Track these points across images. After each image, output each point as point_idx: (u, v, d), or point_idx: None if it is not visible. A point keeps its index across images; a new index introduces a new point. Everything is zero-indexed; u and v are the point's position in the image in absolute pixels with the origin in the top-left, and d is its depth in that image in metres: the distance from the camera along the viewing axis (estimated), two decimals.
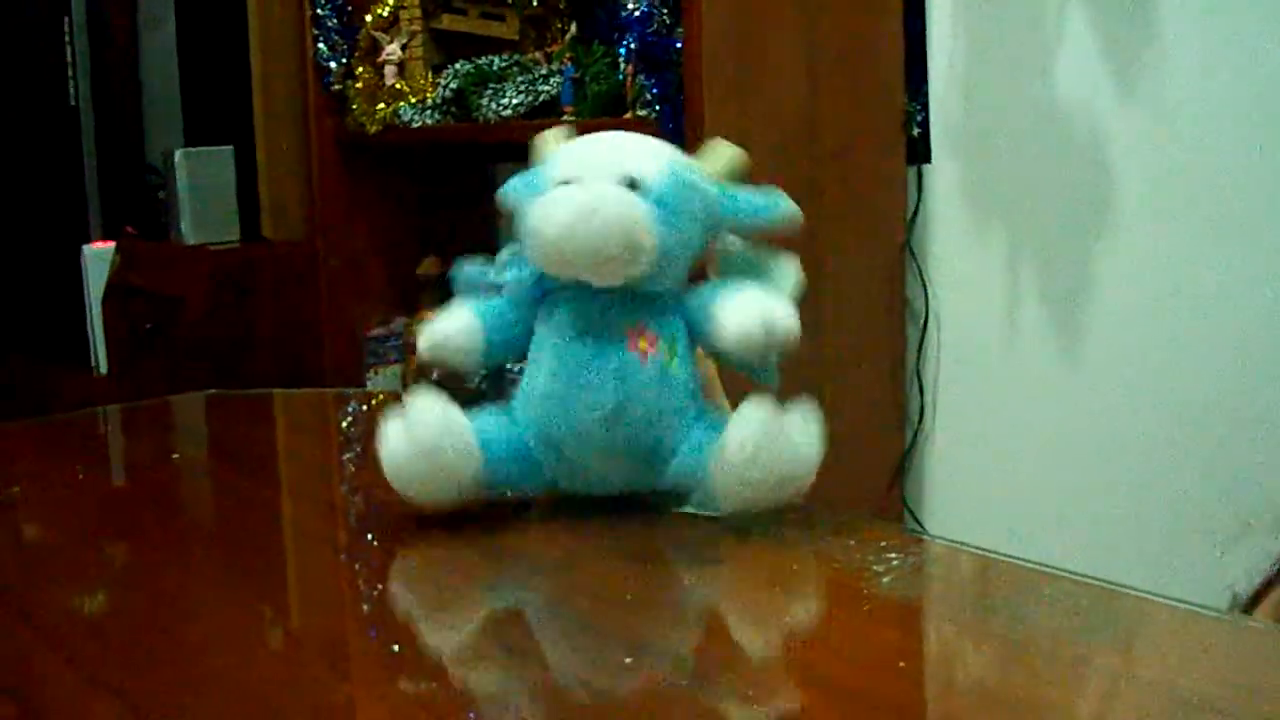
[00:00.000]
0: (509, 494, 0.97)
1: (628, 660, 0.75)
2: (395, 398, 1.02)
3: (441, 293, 1.04)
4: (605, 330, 0.93)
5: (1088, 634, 0.76)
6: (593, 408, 0.92)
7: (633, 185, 0.91)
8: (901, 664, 0.73)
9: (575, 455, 0.94)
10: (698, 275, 0.98)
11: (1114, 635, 0.77)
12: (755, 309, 0.92)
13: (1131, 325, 1.98)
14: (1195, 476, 1.93)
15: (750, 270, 0.98)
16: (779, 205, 0.96)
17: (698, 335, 0.95)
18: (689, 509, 0.94)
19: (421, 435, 0.92)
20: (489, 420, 0.96)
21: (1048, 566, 0.83)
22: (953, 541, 0.95)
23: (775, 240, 0.98)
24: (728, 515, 0.92)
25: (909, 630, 0.79)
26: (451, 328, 0.98)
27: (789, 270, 0.97)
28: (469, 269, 1.00)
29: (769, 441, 0.88)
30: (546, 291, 0.97)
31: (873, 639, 0.77)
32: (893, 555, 0.86)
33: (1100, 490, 2.04)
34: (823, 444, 0.90)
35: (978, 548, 0.89)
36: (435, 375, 1.10)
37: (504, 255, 0.99)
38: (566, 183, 0.92)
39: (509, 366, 1.02)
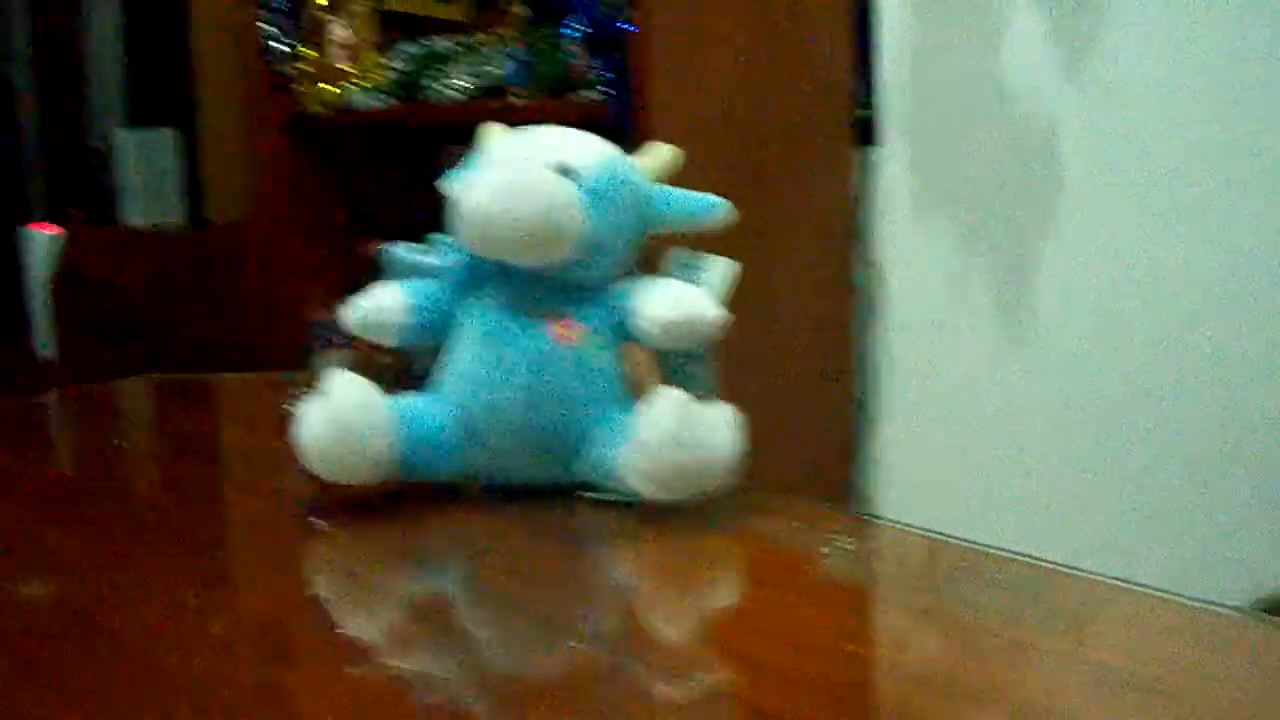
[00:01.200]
0: (428, 481, 0.97)
1: (571, 644, 0.75)
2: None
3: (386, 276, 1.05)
4: (526, 314, 0.94)
5: (1034, 615, 0.76)
6: (508, 389, 0.93)
7: (565, 173, 0.92)
8: (845, 646, 0.73)
9: (492, 438, 0.94)
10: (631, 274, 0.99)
11: (1062, 617, 0.77)
12: (676, 298, 0.93)
13: (1079, 306, 1.99)
14: (1143, 456, 1.95)
15: (684, 270, 0.99)
16: (713, 205, 0.98)
17: (628, 329, 0.95)
18: (604, 495, 0.94)
19: (337, 410, 0.93)
20: (411, 402, 0.96)
21: (995, 548, 0.83)
22: (898, 523, 0.95)
23: (721, 230, 0.98)
24: (643, 501, 0.92)
25: (852, 612, 0.79)
26: (376, 304, 0.99)
27: (723, 270, 0.98)
28: (397, 251, 1.01)
29: (679, 427, 0.88)
30: (475, 276, 0.97)
31: (815, 621, 0.77)
32: (836, 537, 0.86)
33: (1050, 471, 2.05)
34: (739, 440, 0.90)
35: (923, 529, 0.89)
36: (386, 360, 1.10)
37: (435, 238, 0.99)
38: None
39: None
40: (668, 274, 0.99)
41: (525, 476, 0.96)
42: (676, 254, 1.00)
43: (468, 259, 0.97)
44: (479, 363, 0.95)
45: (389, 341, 1.01)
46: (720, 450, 0.89)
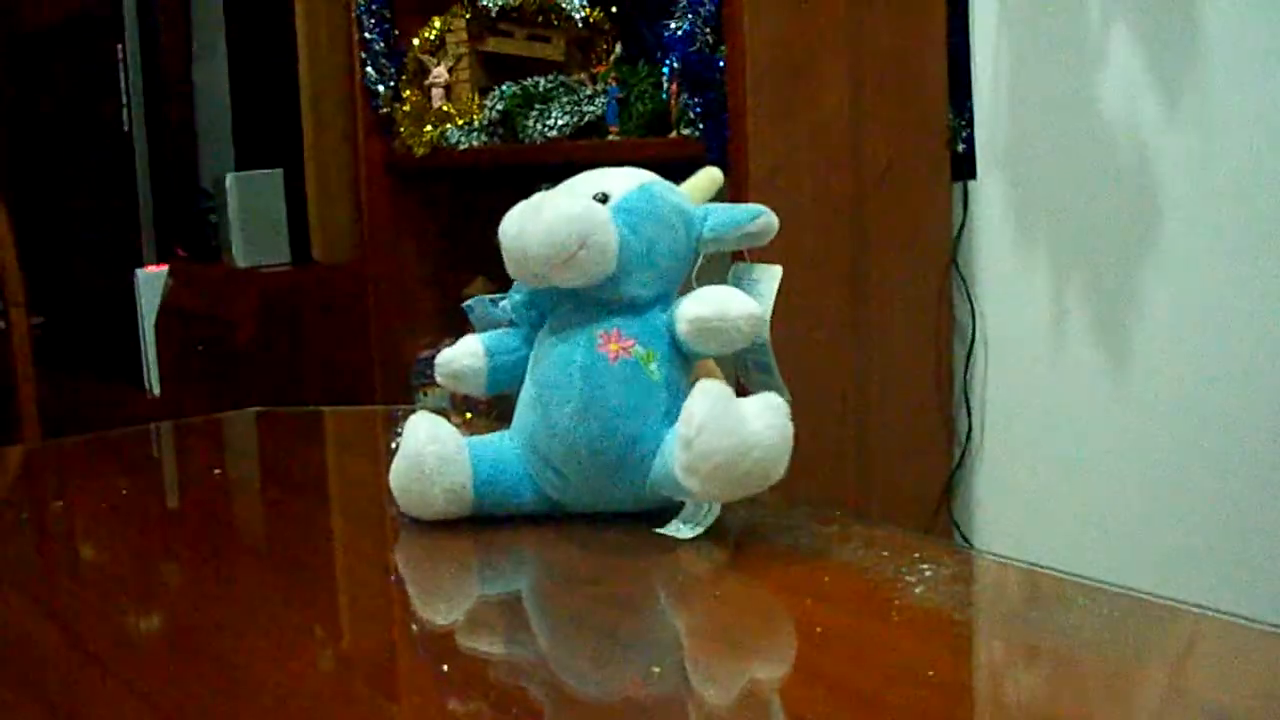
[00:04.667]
0: (505, 513, 0.99)
1: (655, 669, 0.75)
2: (443, 413, 1.03)
3: None
4: (578, 333, 0.96)
5: (1133, 648, 0.75)
6: (563, 403, 0.95)
7: (603, 200, 0.95)
8: (930, 673, 0.73)
9: (556, 459, 0.96)
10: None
11: (1161, 650, 0.76)
12: (708, 296, 0.95)
13: (1180, 341, 1.97)
14: (1247, 493, 1.91)
15: (740, 281, 1.01)
16: (755, 212, 0.99)
17: (677, 343, 0.96)
18: (666, 531, 0.95)
19: (410, 446, 0.97)
20: (484, 438, 1.00)
21: (1092, 580, 0.83)
22: (991, 554, 0.95)
23: (768, 238, 1.00)
24: (699, 535, 0.93)
25: (938, 640, 0.78)
26: (455, 354, 1.04)
27: (771, 275, 1.00)
28: (478, 305, 1.04)
29: (710, 416, 0.87)
30: (540, 314, 1.00)
31: (901, 649, 0.77)
32: (925, 566, 0.86)
33: (1151, 507, 2.02)
34: (785, 429, 0.89)
35: (1012, 559, 0.89)
36: (485, 399, 1.12)
37: (510, 291, 1.03)
38: None
39: None
40: (730, 283, 1.01)
41: (598, 500, 0.97)
42: (735, 267, 1.03)
43: (528, 296, 1.00)
44: (538, 387, 0.97)
45: (476, 391, 1.05)
46: (759, 438, 0.88)
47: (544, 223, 0.92)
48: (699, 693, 0.74)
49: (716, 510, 0.95)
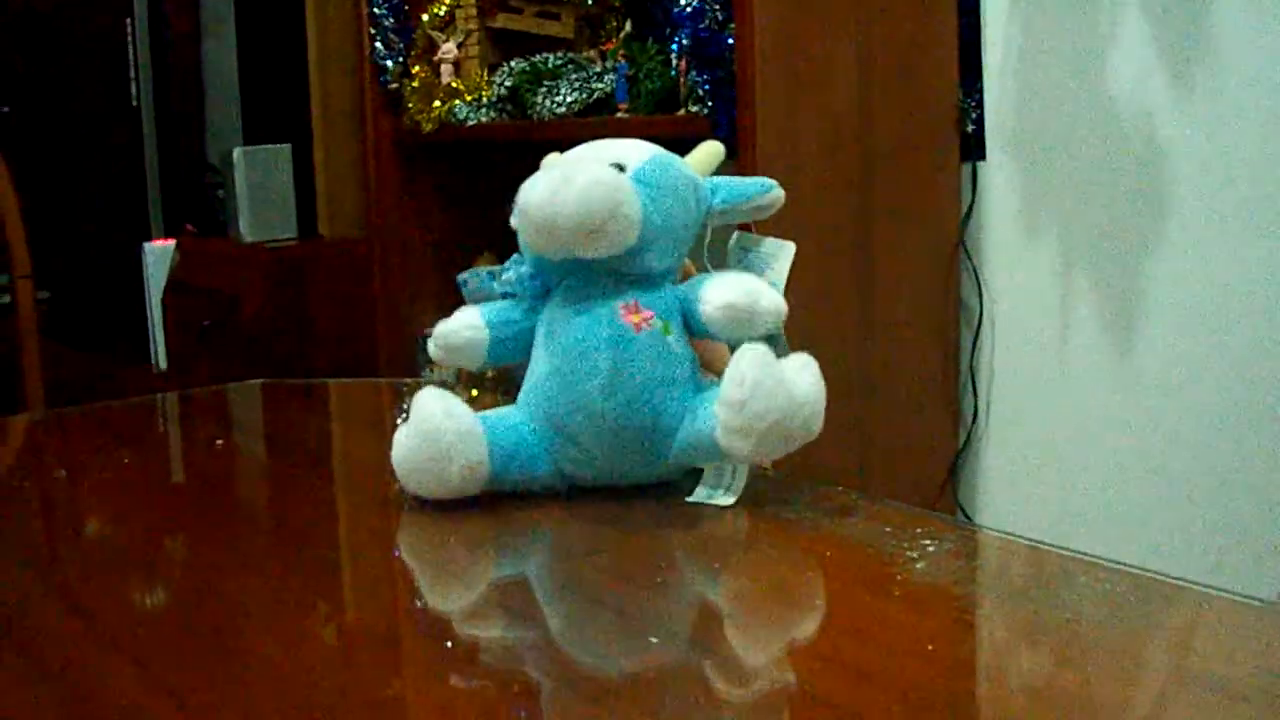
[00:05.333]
0: (518, 490, 0.98)
1: (653, 640, 0.75)
2: (449, 388, 1.02)
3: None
4: (598, 306, 0.95)
5: (1137, 626, 0.75)
6: (590, 375, 0.94)
7: (618, 169, 0.95)
8: (930, 647, 0.73)
9: (580, 433, 0.95)
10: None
11: (1165, 627, 0.76)
12: (739, 285, 0.95)
13: (1186, 324, 1.96)
14: (1251, 477, 1.91)
15: (745, 252, 1.02)
16: (764, 185, 1.00)
17: (691, 320, 0.96)
18: (698, 498, 0.95)
19: (424, 422, 0.95)
20: (495, 413, 0.98)
21: (1083, 554, 0.82)
22: (989, 529, 0.95)
23: (775, 211, 1.01)
24: (738, 500, 0.93)
25: (939, 615, 0.78)
26: (454, 326, 1.01)
27: (785, 252, 1.01)
28: (473, 279, 1.03)
29: (766, 375, 0.88)
30: (546, 285, 0.99)
31: (901, 623, 0.77)
32: (927, 541, 0.85)
33: (1154, 490, 2.02)
34: (823, 387, 0.91)
35: (1013, 535, 0.89)
36: (490, 374, 1.12)
37: (507, 264, 1.01)
38: None
39: None
40: (731, 255, 1.01)
41: (618, 473, 0.97)
42: (739, 237, 1.03)
43: (535, 268, 0.99)
44: (558, 360, 0.96)
45: (471, 365, 1.03)
46: (806, 395, 0.89)
47: (579, 191, 0.90)
48: (698, 665, 0.74)
49: (744, 473, 0.95)
